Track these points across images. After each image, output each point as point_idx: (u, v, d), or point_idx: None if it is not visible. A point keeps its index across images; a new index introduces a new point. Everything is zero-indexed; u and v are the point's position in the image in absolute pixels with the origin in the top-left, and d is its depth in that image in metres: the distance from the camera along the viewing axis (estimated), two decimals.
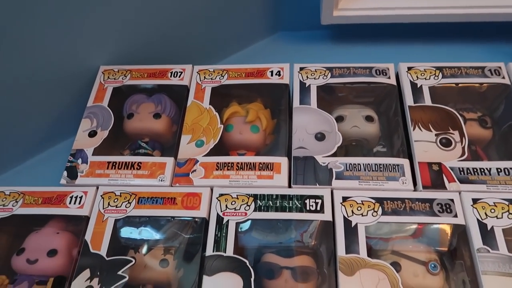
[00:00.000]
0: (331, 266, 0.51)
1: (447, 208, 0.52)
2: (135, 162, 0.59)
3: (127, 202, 0.56)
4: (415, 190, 0.55)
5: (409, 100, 0.62)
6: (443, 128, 0.59)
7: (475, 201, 0.52)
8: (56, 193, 0.57)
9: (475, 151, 0.61)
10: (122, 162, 0.59)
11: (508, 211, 0.51)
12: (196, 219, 0.55)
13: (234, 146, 0.64)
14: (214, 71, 0.68)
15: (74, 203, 0.56)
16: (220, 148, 0.62)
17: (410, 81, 0.64)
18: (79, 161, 0.60)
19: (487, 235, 0.50)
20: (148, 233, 0.56)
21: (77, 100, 0.71)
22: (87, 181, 0.59)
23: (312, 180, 0.56)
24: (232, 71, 0.68)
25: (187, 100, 0.66)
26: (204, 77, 0.68)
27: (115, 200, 0.56)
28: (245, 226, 0.55)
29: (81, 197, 0.57)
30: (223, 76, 0.67)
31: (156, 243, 0.56)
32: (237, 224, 0.53)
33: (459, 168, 0.55)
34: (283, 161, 0.58)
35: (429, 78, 0.64)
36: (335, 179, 0.56)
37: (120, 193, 0.57)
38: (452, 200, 0.53)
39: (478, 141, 0.62)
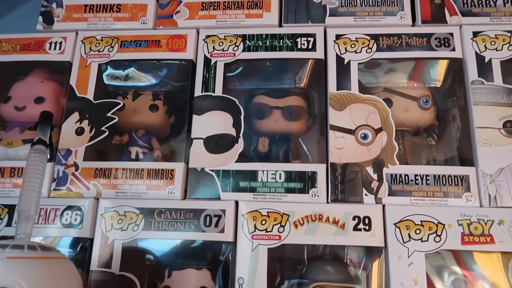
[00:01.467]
0: (321, 104, 0.50)
1: (445, 42, 0.50)
2: (114, 5, 0.55)
3: (109, 46, 0.53)
4: (413, 25, 0.52)
5: None
6: None
7: (475, 34, 0.49)
8: (34, 39, 0.54)
9: None
10: (100, 5, 0.55)
11: (509, 42, 0.48)
12: (183, 62, 0.53)
13: None
14: None
15: (54, 48, 0.54)
16: None
17: None
18: (54, 5, 0.56)
19: (484, 67, 0.48)
20: (134, 77, 0.55)
21: None
22: (65, 26, 0.55)
23: (304, 18, 0.52)
24: None
25: None
26: None
27: (97, 45, 0.53)
28: (235, 70, 0.54)
29: (60, 43, 0.54)
30: None
31: (144, 88, 0.55)
32: (226, 65, 0.52)
33: (462, 0, 0.51)
34: None
35: None
36: (329, 16, 0.52)
37: (102, 37, 0.54)
38: (451, 34, 0.50)
39: None
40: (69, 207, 0.47)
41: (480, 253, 0.44)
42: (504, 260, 0.45)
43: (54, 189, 0.48)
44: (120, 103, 0.51)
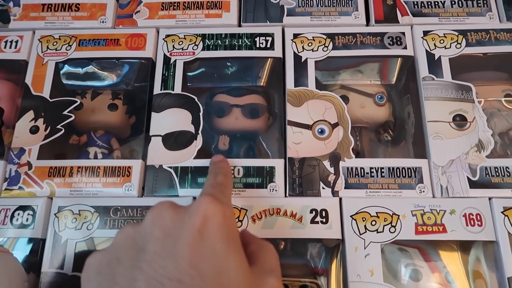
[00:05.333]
0: (281, 102, 0.51)
1: (397, 40, 0.52)
2: (72, 4, 0.55)
3: (67, 44, 0.53)
4: (367, 25, 0.53)
5: None
6: None
7: (425, 33, 0.51)
8: None
9: None
10: (59, 4, 0.55)
11: (457, 41, 0.51)
12: (143, 60, 0.52)
13: None
14: None
15: (10, 47, 0.53)
16: None
17: None
18: (11, 4, 0.55)
19: (434, 64, 0.50)
20: (93, 77, 0.54)
21: None
22: (21, 25, 0.54)
23: (263, 17, 0.53)
24: None
25: None
26: None
27: (54, 43, 0.53)
28: (195, 70, 0.54)
29: (16, 41, 0.53)
30: None
31: (103, 87, 0.55)
32: (185, 63, 0.52)
33: (413, 2, 0.53)
34: None
35: None
36: (287, 15, 0.53)
37: (59, 36, 0.53)
38: (403, 33, 0.52)
39: None
40: (21, 207, 0.46)
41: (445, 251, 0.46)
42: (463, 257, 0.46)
43: (5, 189, 0.47)
44: (77, 101, 0.51)
